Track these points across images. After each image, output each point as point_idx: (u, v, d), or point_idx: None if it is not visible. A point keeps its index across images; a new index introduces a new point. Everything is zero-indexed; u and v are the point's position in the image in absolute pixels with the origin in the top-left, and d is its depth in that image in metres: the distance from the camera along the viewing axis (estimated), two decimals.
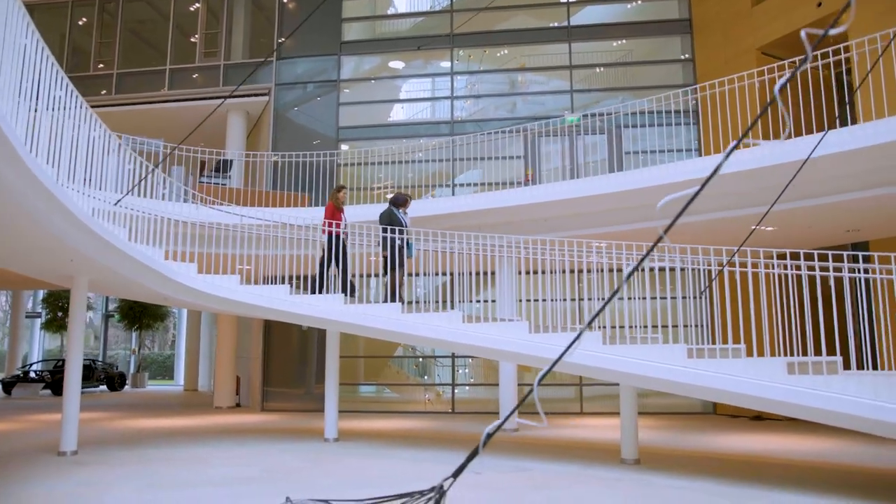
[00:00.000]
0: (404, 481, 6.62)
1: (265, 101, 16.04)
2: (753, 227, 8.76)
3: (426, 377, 15.71)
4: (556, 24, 15.49)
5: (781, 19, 12.84)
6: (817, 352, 6.18)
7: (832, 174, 8.32)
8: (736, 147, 2.19)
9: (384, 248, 9.12)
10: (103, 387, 22.12)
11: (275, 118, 15.81)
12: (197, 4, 17.27)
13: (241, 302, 9.45)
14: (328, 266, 9.38)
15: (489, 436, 2.34)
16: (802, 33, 2.08)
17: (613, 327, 8.59)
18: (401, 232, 9.12)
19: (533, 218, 11.13)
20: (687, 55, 14.93)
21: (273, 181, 15.22)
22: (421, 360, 15.76)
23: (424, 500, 2.91)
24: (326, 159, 13.64)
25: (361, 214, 11.35)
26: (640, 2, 15.92)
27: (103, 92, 16.79)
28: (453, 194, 14.77)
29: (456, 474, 2.56)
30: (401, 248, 9.05)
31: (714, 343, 7.38)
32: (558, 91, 15.25)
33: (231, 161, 14.26)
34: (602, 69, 15.50)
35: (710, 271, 7.53)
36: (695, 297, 12.82)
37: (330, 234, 9.34)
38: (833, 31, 2.07)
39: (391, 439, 10.30)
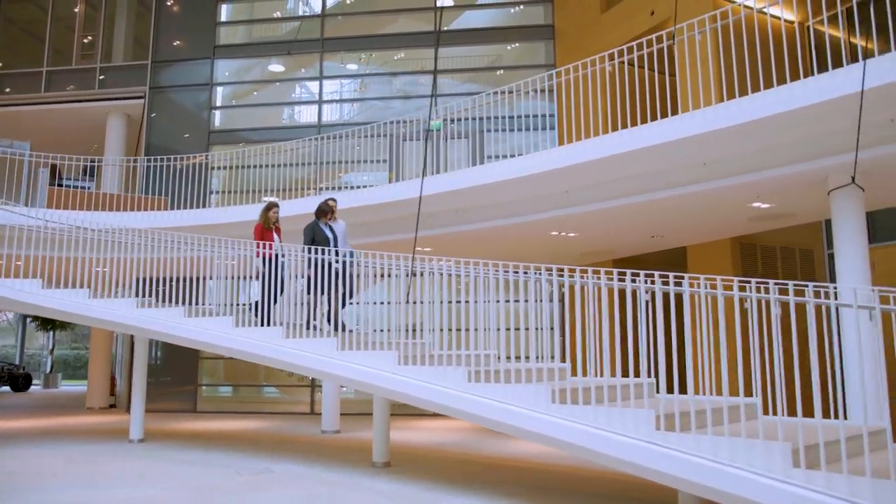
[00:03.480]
0: (133, 481, 6.78)
1: (140, 104, 16.12)
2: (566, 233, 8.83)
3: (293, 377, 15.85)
4: (422, 31, 15.62)
5: (623, 26, 13.04)
6: (635, 373, 5.67)
7: (629, 173, 8.18)
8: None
9: (308, 267, 7.96)
10: (6, 387, 22.16)
11: (149, 121, 15.89)
12: (76, 8, 17.33)
13: (92, 317, 9.50)
14: (271, 293, 8.17)
15: None
16: None
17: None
18: (325, 247, 8.03)
19: (393, 217, 10.91)
20: (550, 61, 15.10)
21: (145, 186, 15.29)
22: None
23: None
24: (197, 162, 13.72)
25: (235, 215, 11.61)
26: (515, 9, 16.08)
27: None
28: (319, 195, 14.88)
29: None
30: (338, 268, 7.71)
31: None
32: (424, 95, 15.37)
33: (94, 165, 14.33)
34: (470, 73, 15.65)
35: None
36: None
37: (262, 257, 8.29)
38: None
39: (201, 441, 10.41)
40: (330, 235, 8.47)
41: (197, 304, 9.33)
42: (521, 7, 15.96)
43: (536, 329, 6.45)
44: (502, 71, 15.85)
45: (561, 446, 5.52)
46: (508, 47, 15.92)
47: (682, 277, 5.06)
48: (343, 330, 8.00)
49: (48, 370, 25.85)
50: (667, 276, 5.07)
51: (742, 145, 7.14)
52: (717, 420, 4.93)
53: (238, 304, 9.37)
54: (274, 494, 6.54)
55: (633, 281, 5.22)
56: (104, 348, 16.22)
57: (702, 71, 8.04)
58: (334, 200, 8.86)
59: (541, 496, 6.39)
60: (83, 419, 13.76)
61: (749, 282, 4.70)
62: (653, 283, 5.11)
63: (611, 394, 5.58)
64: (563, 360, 7.08)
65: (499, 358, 6.93)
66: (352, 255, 7.98)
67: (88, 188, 14.21)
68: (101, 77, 16.38)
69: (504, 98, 10.31)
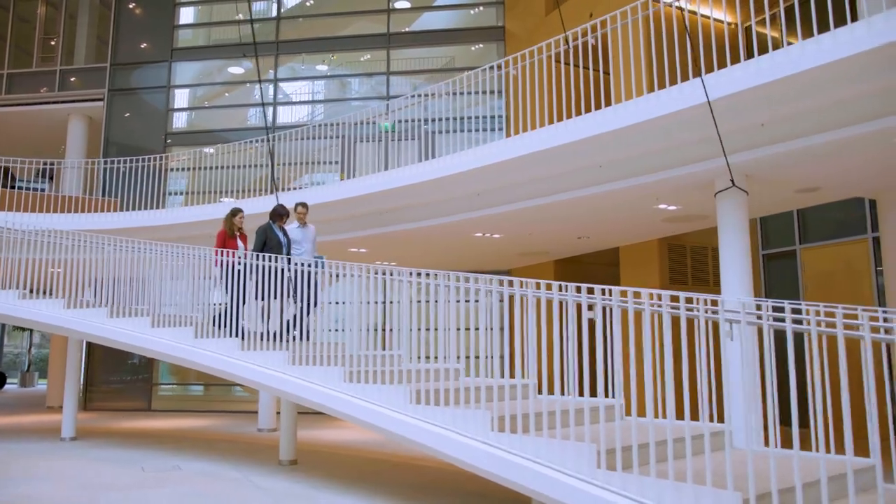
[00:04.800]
0: (32, 479, 6.95)
1: (102, 106, 16.31)
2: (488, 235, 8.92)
3: None
4: (378, 33, 15.74)
5: (567, 27, 13.09)
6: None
7: (532, 176, 8.23)
8: None
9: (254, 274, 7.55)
10: None
11: (108, 124, 16.07)
12: (38, 9, 17.53)
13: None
14: (235, 303, 7.60)
15: None
16: None
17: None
18: (278, 252, 7.79)
19: (345, 216, 10.93)
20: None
21: (103, 188, 15.48)
22: None
23: None
24: (153, 164, 13.88)
25: (196, 215, 11.88)
26: (475, 11, 16.17)
27: None
28: (277, 199, 15.02)
29: None
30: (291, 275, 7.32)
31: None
32: (376, 97, 15.50)
33: (51, 168, 14.53)
34: (424, 76, 15.74)
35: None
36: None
37: (221, 265, 7.80)
38: None
39: (132, 439, 10.57)
40: (283, 240, 8.09)
41: (120, 304, 9.49)
42: (481, 9, 16.07)
43: (445, 330, 6.46)
44: (466, 73, 15.94)
45: (414, 446, 5.63)
46: (472, 48, 15.98)
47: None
48: (308, 339, 7.54)
49: (25, 369, 26.18)
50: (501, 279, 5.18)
51: (629, 149, 7.23)
52: (558, 423, 5.02)
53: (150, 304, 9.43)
54: (162, 492, 6.68)
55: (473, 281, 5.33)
56: (64, 348, 16.39)
57: (634, 71, 8.12)
58: (304, 206, 8.46)
59: (421, 494, 6.51)
60: (36, 417, 13.97)
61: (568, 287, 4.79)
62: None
63: (466, 396, 5.67)
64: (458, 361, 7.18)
65: (411, 359, 6.94)
66: (321, 261, 7.38)
67: (43, 190, 14.45)
68: (62, 79, 16.57)
69: (453, 99, 10.41)
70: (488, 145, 8.32)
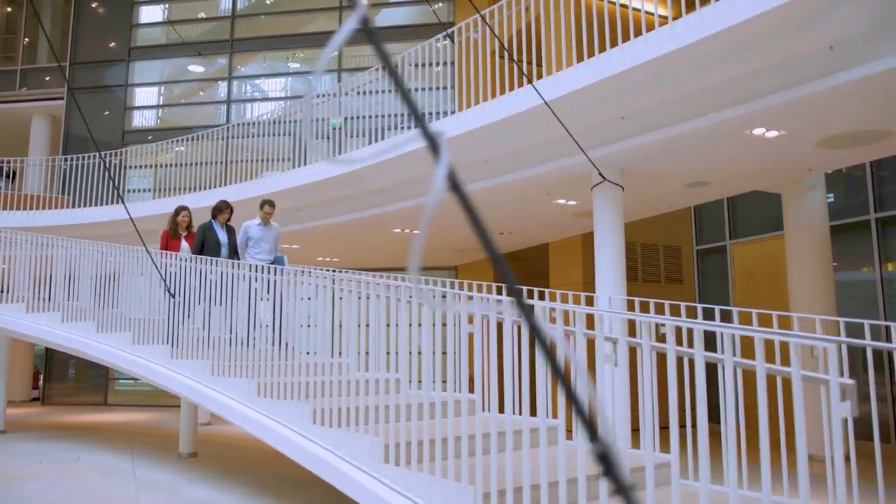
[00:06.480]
0: None
1: (62, 104, 16.54)
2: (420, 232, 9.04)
3: None
4: (329, 30, 15.79)
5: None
6: None
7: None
8: None
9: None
10: None
11: (67, 122, 16.30)
12: (8, 9, 17.81)
13: None
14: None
15: None
16: None
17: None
18: (215, 253, 7.43)
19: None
20: (451, 58, 15.16)
21: (62, 186, 15.70)
22: None
23: None
24: (109, 161, 14.08)
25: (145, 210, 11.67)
26: (437, 6, 16.18)
27: None
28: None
29: None
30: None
31: None
32: (328, 94, 15.55)
33: (9, 167, 14.79)
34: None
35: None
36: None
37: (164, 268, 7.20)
38: None
39: (56, 433, 10.74)
40: (223, 239, 7.58)
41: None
42: (441, 5, 16.09)
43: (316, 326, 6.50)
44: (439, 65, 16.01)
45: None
46: (425, 46, 16.03)
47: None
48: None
49: None
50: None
51: (504, 145, 7.23)
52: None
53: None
54: (40, 483, 6.79)
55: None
56: (25, 344, 16.67)
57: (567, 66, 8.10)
58: (270, 205, 7.63)
59: (288, 488, 6.56)
60: None
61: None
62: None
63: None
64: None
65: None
66: (279, 262, 6.98)
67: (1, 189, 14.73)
68: (24, 78, 16.83)
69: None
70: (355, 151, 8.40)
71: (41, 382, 17.10)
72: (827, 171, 7.94)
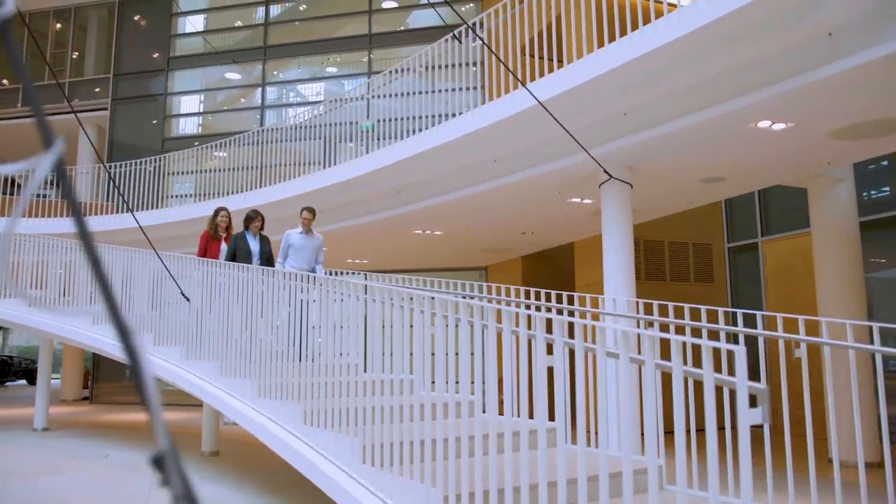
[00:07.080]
0: None
1: (107, 115, 17.22)
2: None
3: None
4: (360, 34, 15.97)
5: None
6: None
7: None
8: None
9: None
10: (23, 381, 24.03)
11: (111, 131, 16.95)
12: (58, 25, 18.61)
13: None
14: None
15: None
16: None
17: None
18: (246, 261, 7.20)
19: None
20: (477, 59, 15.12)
21: (107, 193, 16.35)
22: None
23: None
24: (150, 168, 14.62)
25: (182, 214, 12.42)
26: (467, 7, 16.19)
27: None
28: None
29: None
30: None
31: None
32: (358, 98, 15.71)
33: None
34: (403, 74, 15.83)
35: None
36: None
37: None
38: None
39: (98, 430, 11.16)
40: (255, 248, 7.48)
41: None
42: (471, 5, 16.09)
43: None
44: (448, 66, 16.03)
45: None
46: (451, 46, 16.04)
47: None
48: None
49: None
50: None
51: (510, 145, 7.17)
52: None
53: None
54: (63, 476, 7.08)
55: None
56: (72, 346, 17.40)
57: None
58: (309, 211, 7.40)
59: (292, 487, 6.66)
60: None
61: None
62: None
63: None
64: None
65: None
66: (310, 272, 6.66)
67: (46, 196, 15.46)
68: (72, 90, 17.56)
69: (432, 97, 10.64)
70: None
71: (90, 382, 17.81)
72: (849, 163, 7.58)
